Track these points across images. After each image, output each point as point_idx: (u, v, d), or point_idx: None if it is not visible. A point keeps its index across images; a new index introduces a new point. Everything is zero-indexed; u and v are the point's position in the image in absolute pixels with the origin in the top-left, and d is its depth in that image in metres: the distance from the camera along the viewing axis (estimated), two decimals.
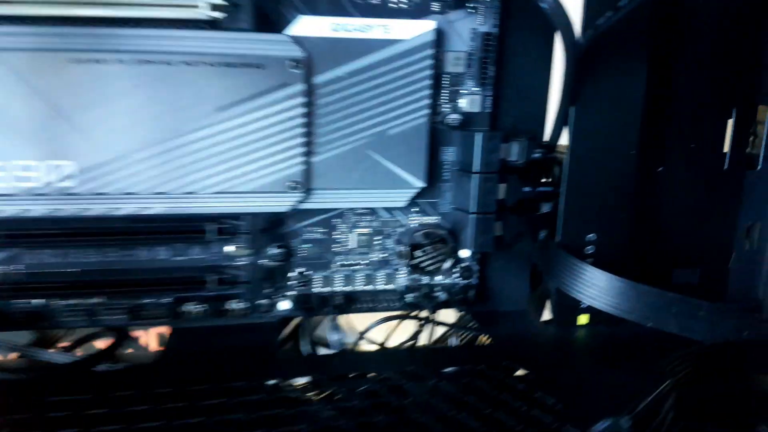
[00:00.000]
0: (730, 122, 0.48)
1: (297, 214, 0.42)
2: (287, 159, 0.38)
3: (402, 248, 0.43)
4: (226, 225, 0.39)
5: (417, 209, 0.44)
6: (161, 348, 0.41)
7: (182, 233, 0.39)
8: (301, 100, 0.37)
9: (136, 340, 0.48)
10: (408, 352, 0.43)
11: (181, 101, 0.35)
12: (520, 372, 0.39)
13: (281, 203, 0.39)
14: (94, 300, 0.40)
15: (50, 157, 0.35)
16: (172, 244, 0.40)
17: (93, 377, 0.39)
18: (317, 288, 0.44)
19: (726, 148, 0.48)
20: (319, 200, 0.40)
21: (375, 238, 0.44)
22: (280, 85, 0.36)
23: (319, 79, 0.37)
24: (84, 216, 0.37)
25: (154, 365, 0.39)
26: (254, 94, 0.36)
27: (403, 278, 0.45)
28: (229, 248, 0.41)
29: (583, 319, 0.47)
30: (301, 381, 0.37)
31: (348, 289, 0.44)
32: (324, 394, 0.36)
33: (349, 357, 0.42)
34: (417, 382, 0.36)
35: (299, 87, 0.36)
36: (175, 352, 0.40)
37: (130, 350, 0.48)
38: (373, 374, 0.37)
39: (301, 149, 0.38)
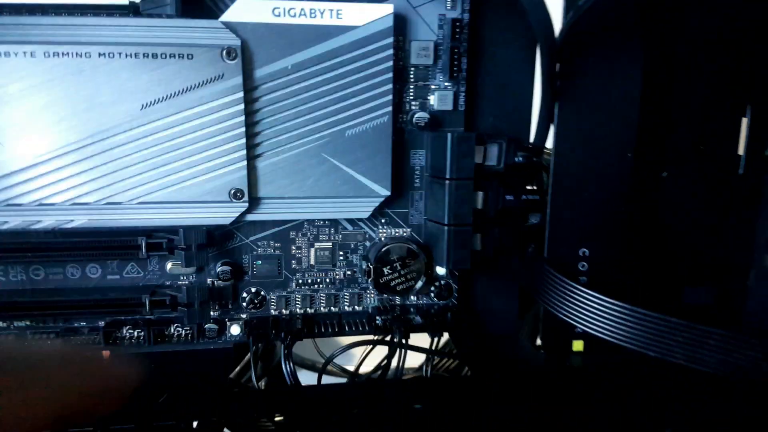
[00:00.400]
0: (745, 120, 0.42)
1: (245, 226, 0.37)
2: (227, 164, 0.33)
3: (367, 265, 0.38)
4: (157, 240, 0.34)
5: (385, 219, 0.39)
6: None
7: (113, 249, 0.34)
8: (239, 95, 0.32)
9: None
10: (373, 386, 0.38)
11: (100, 98, 0.31)
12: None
13: (222, 215, 0.34)
14: (21, 323, 0.36)
15: None
16: (103, 262, 0.36)
17: None
18: (273, 310, 0.39)
19: (741, 150, 0.43)
20: (269, 211, 0.35)
21: (338, 253, 0.39)
22: (214, 78, 0.32)
23: (261, 71, 0.33)
24: (1, 230, 0.32)
25: None
26: (184, 88, 0.31)
27: (372, 298, 0.40)
28: (170, 266, 0.36)
29: (577, 345, 0.42)
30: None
31: (309, 311, 0.39)
32: None
33: (306, 392, 0.36)
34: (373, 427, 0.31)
35: (236, 80, 0.32)
36: None
37: None
38: (325, 415, 0.32)
39: (243, 152, 0.33)
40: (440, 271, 0.40)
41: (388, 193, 0.37)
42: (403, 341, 0.39)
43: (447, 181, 0.36)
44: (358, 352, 0.46)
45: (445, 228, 0.37)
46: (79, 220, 0.33)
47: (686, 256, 0.44)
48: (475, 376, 0.38)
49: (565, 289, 0.38)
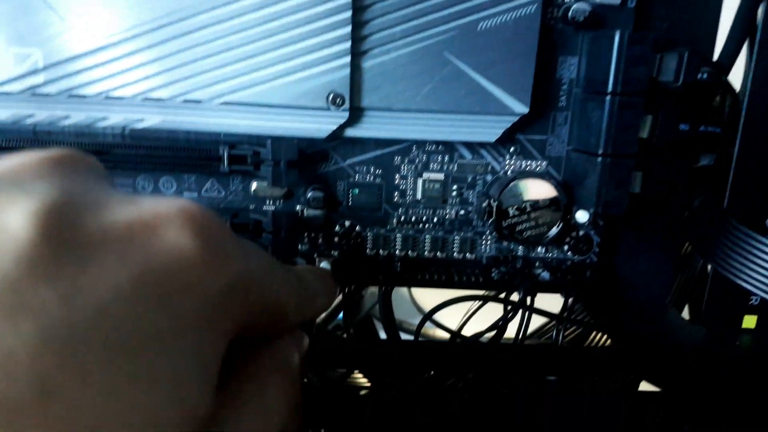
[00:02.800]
0: None
1: (343, 146, 0.30)
2: (327, 59, 0.26)
3: (489, 203, 0.31)
4: (241, 152, 0.28)
5: (515, 148, 0.31)
6: None
7: (191, 159, 0.29)
8: None
9: None
10: (487, 348, 0.31)
11: None
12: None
13: (318, 125, 0.28)
14: None
15: (15, 42, 0.26)
16: (179, 175, 0.30)
17: None
18: (369, 250, 0.32)
19: None
20: (372, 126, 0.28)
21: (451, 188, 0.32)
22: None
23: None
24: (63, 127, 0.28)
25: None
26: None
27: (488, 246, 0.33)
28: (255, 186, 0.30)
29: (749, 321, 0.33)
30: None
31: (411, 254, 0.32)
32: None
33: (408, 347, 0.30)
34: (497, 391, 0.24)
35: None
36: None
37: None
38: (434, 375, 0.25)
39: (347, 45, 0.26)
40: (581, 217, 0.31)
41: (525, 110, 0.29)
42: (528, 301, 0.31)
43: (608, 97, 0.27)
44: (458, 311, 0.39)
45: (599, 160, 0.28)
46: (152, 119, 0.27)
47: None
48: (620, 348, 0.30)
49: (753, 248, 0.29)
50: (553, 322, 0.35)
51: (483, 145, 0.31)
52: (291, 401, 0.18)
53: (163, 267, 0.14)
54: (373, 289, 0.45)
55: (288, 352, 0.19)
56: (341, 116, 0.28)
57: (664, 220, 0.33)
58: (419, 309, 0.38)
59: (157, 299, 0.14)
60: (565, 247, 0.32)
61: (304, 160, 0.30)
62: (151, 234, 0.14)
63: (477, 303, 0.35)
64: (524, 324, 0.32)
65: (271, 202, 0.31)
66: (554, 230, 0.31)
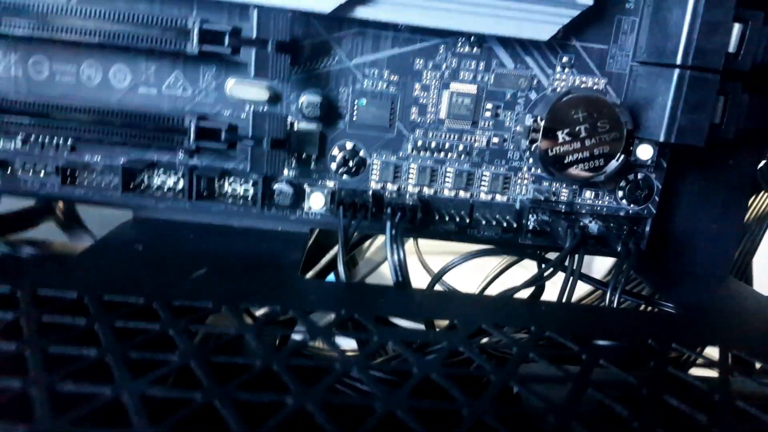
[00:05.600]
0: None
1: (350, 37, 0.24)
2: None
3: (534, 122, 0.24)
4: (215, 28, 0.21)
5: (569, 58, 0.24)
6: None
7: (150, 35, 0.22)
8: None
9: None
10: (525, 307, 0.24)
11: None
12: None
13: None
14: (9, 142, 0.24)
15: None
16: (135, 63, 0.23)
17: None
18: (374, 182, 0.25)
19: None
20: (392, 6, 0.22)
21: (484, 106, 0.25)
22: None
23: None
24: None
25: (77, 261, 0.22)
26: None
27: (525, 187, 0.26)
28: (231, 84, 0.23)
29: None
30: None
31: (426, 191, 0.26)
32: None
33: (404, 297, 0.23)
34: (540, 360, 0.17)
35: None
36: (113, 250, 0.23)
37: None
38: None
39: None
40: (644, 153, 0.25)
41: (590, 1, 0.22)
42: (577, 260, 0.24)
43: None
44: (478, 276, 0.33)
45: (676, 72, 0.22)
46: None
47: None
48: (682, 315, 0.23)
49: None
50: (599, 292, 0.28)
51: (530, 49, 0.24)
52: None
53: None
54: (369, 255, 0.38)
55: None
56: None
57: (735, 169, 0.27)
58: (427, 270, 0.31)
59: None
60: (620, 194, 0.26)
61: (298, 51, 0.23)
62: None
63: (503, 263, 0.28)
64: (568, 290, 0.25)
65: (252, 108, 0.24)
66: (614, 164, 0.24)
